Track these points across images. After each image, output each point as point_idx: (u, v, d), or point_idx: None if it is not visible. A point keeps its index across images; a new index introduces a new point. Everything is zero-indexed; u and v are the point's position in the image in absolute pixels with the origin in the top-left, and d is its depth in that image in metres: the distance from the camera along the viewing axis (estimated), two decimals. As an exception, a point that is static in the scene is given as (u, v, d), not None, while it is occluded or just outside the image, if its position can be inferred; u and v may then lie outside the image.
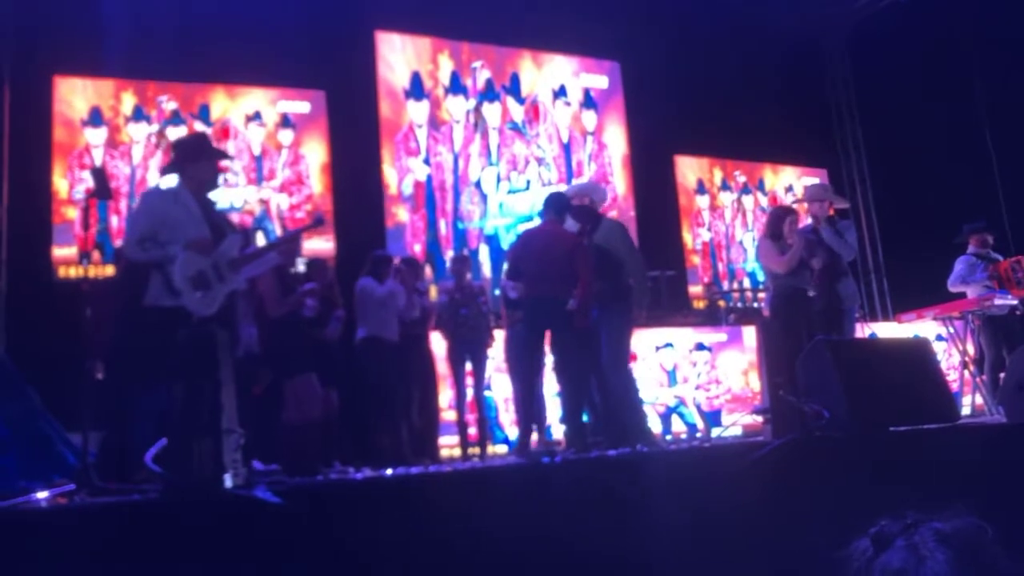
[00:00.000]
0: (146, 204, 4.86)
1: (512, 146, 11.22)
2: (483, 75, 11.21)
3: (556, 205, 6.64)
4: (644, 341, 9.14)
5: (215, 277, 4.58)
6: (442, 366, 7.99)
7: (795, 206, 7.48)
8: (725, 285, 12.49)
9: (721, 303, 11.26)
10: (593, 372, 6.48)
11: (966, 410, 8.43)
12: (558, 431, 7.63)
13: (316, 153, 10.10)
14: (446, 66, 11.01)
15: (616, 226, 6.72)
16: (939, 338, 9.61)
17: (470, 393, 7.88)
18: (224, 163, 4.93)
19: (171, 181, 4.93)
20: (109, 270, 8.58)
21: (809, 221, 7.16)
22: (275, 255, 5.17)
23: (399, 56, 10.76)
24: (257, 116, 9.93)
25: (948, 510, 1.20)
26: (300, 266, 7.48)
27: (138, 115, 9.44)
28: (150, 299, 4.56)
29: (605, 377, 6.33)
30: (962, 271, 8.28)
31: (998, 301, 7.90)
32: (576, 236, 6.56)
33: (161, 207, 4.69)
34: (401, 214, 10.38)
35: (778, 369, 5.39)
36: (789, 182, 13.42)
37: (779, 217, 6.88)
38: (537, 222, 7.25)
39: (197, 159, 4.84)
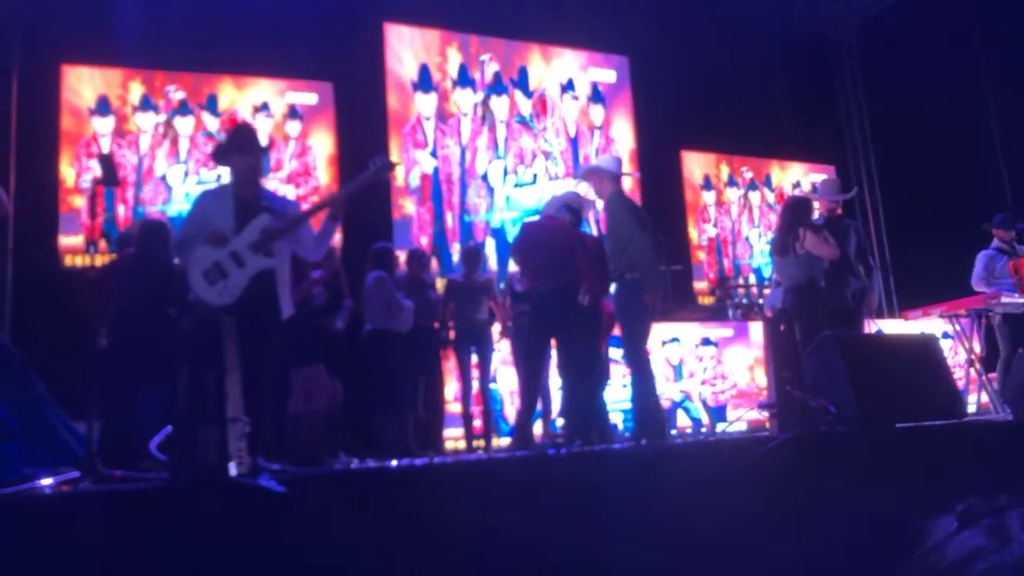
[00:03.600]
0: (191, 208, 4.99)
1: (519, 140, 11.19)
2: (491, 68, 11.18)
3: (565, 206, 6.67)
4: (650, 336, 9.12)
5: (234, 264, 4.60)
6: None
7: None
8: (730, 280, 12.46)
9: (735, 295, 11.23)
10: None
11: (972, 408, 8.41)
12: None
13: (323, 144, 10.09)
14: (454, 59, 10.99)
15: (618, 204, 6.43)
16: (945, 336, 9.57)
17: (475, 385, 7.87)
18: (255, 160, 4.93)
19: (222, 177, 5.05)
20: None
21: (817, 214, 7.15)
22: (331, 224, 5.10)
23: (407, 48, 10.74)
24: (265, 107, 9.92)
25: None
26: None
27: (146, 104, 9.43)
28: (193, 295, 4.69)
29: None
30: (981, 270, 8.14)
31: (1005, 299, 7.86)
32: (575, 228, 6.55)
33: (202, 210, 4.83)
34: (408, 206, 10.37)
35: (785, 364, 5.38)
36: (796, 178, 13.39)
37: (809, 206, 6.87)
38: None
39: (232, 152, 4.89)
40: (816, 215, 7.05)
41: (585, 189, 7.21)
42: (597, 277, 6.28)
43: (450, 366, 8.08)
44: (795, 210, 6.80)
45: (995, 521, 1.10)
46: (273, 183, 9.73)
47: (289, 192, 9.73)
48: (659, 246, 6.56)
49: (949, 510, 1.15)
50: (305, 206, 6.13)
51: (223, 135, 9.19)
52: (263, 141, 9.64)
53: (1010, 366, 7.31)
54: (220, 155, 5.03)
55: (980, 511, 1.13)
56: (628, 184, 11.40)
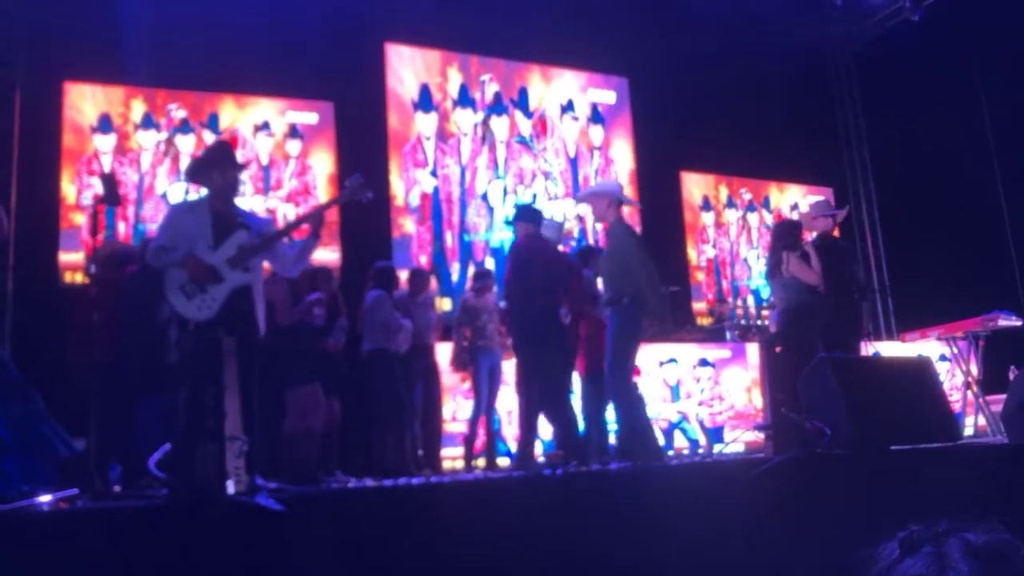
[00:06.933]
0: (167, 216, 5.11)
1: (519, 160, 11.24)
2: (492, 88, 11.24)
3: (529, 215, 6.68)
4: (648, 356, 9.12)
5: (213, 280, 4.63)
6: (447, 378, 8.00)
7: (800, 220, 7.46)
8: (729, 302, 12.49)
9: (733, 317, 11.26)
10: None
11: (968, 431, 8.42)
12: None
13: (323, 164, 10.13)
14: (455, 79, 11.05)
15: (621, 228, 6.35)
16: (943, 358, 9.59)
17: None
18: (235, 175, 4.97)
19: (199, 191, 5.08)
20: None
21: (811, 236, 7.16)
22: (311, 241, 5.10)
23: (408, 68, 10.80)
24: (265, 126, 9.97)
25: (982, 524, 1.21)
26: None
27: (147, 123, 9.47)
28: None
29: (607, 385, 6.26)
30: None
31: (1002, 322, 7.89)
32: (563, 250, 6.57)
33: (178, 219, 4.90)
34: (407, 225, 10.40)
35: (781, 386, 5.40)
36: (795, 200, 13.43)
37: (797, 230, 6.89)
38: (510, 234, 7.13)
39: (212, 167, 4.92)
40: (811, 237, 7.07)
41: (585, 210, 7.22)
42: (583, 298, 6.31)
43: (448, 385, 8.08)
44: (781, 233, 6.87)
45: (935, 548, 1.14)
46: (273, 201, 9.77)
47: (289, 211, 9.77)
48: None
49: (893, 537, 1.19)
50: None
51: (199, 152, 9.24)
52: (264, 160, 9.76)
53: None
54: (197, 171, 5.06)
55: (921, 538, 1.17)
56: (626, 209, 11.46)
